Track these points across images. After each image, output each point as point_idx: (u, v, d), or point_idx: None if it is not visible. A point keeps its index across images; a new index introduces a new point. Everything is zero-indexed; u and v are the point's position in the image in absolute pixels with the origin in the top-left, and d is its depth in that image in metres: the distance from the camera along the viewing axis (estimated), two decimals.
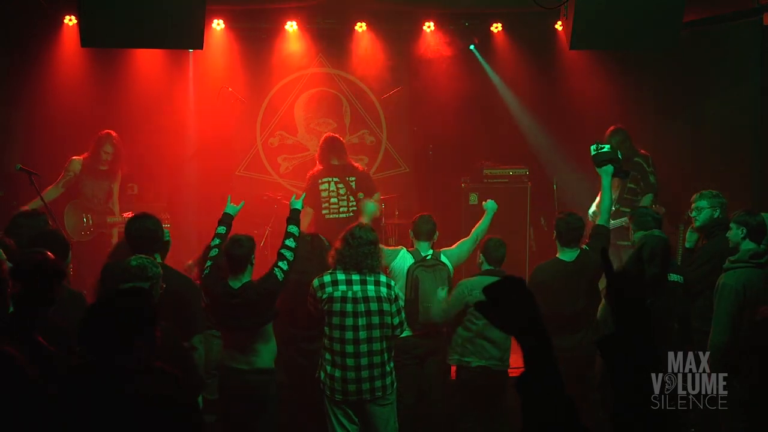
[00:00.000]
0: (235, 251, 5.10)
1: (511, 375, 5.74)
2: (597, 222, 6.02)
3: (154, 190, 8.46)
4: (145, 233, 4.95)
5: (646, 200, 7.48)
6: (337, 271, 5.18)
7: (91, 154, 7.77)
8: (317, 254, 5.58)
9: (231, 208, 5.54)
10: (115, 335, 3.12)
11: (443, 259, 5.90)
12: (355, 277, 5.15)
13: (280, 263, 5.18)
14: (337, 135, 7.99)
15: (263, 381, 5.16)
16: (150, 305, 3.33)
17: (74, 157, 7.72)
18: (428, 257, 5.82)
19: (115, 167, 7.82)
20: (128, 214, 7.61)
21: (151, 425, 3.06)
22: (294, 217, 5.40)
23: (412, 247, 5.94)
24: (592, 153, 6.04)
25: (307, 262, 5.48)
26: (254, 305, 5.06)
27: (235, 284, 5.09)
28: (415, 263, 5.76)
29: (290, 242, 5.25)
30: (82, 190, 7.75)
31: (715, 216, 5.74)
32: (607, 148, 6.05)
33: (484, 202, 6.53)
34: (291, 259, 5.20)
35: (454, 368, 5.99)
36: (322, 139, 7.88)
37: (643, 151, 7.71)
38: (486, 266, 5.69)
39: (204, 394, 5.01)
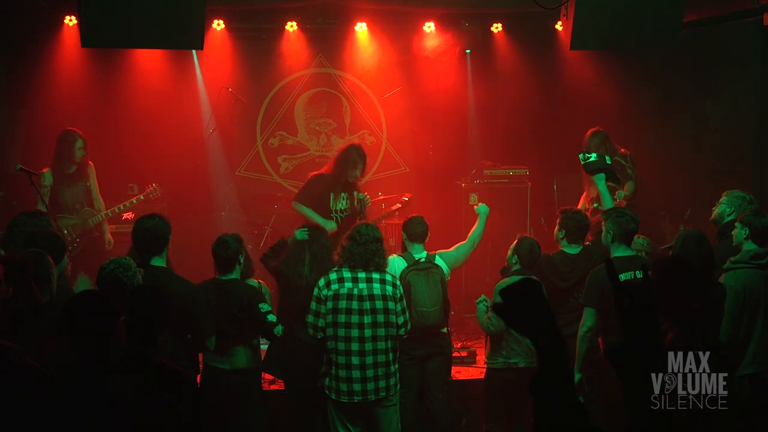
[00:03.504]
0: (222, 253, 5.19)
1: None
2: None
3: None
4: (146, 235, 4.93)
5: (630, 187, 7.45)
6: (344, 269, 5.18)
7: (61, 159, 7.32)
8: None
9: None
10: (141, 332, 3.31)
11: (438, 261, 5.82)
12: (361, 275, 5.15)
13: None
14: (355, 144, 7.28)
15: (244, 381, 5.23)
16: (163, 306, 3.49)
17: (42, 170, 7.21)
18: (421, 260, 5.72)
19: (85, 163, 7.42)
20: (128, 215, 7.55)
21: (160, 418, 3.15)
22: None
23: (405, 250, 5.84)
24: (582, 163, 6.00)
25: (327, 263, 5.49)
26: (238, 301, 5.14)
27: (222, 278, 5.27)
28: (407, 267, 5.65)
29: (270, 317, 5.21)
30: (59, 200, 7.29)
31: (727, 213, 5.70)
32: (593, 157, 5.98)
33: (475, 207, 6.46)
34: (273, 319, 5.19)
35: (455, 369, 5.98)
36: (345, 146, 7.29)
37: (623, 150, 7.68)
38: (517, 267, 5.62)
39: None
